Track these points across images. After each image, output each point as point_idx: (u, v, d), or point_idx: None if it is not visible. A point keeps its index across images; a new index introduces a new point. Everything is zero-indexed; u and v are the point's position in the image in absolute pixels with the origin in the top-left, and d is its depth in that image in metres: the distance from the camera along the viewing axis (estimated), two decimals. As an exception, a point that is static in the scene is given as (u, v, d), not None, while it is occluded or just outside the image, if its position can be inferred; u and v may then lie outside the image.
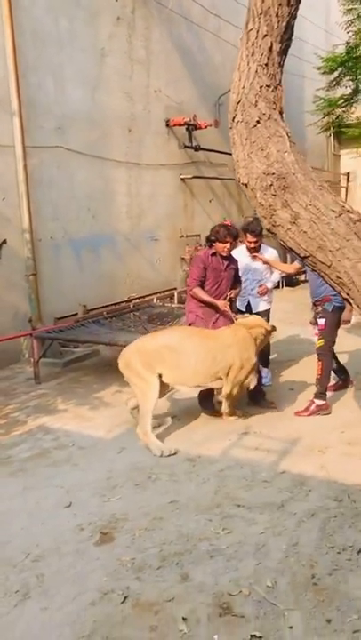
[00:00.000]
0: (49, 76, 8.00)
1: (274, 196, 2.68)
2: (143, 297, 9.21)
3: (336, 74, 11.61)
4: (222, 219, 10.97)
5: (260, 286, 5.97)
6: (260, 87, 2.88)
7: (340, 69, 11.41)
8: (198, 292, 5.28)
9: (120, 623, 2.50)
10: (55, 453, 4.57)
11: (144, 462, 4.24)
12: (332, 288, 2.75)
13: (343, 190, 19.48)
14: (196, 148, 10.97)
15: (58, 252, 8.19)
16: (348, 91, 11.85)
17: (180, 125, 10.56)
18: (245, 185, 2.84)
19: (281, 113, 2.93)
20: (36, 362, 6.60)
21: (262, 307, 6.04)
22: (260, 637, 2.35)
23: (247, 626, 2.42)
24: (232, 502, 3.53)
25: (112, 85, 9.20)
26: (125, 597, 2.67)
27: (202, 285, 5.30)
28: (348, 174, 19.11)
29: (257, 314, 5.90)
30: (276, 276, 6.17)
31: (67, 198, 8.32)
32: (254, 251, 5.91)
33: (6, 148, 7.28)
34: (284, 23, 2.94)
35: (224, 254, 5.29)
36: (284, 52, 3.03)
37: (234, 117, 2.92)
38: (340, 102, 11.87)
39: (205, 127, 10.81)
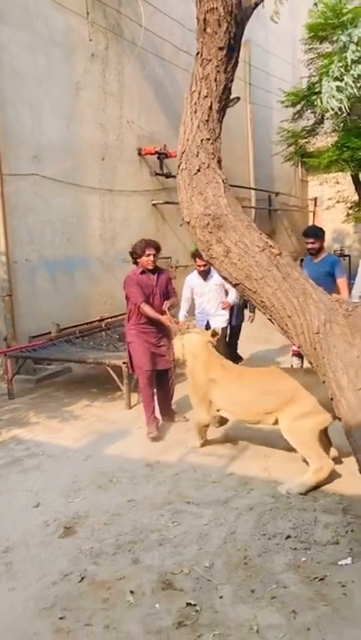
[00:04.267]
0: (26, 108, 8.51)
1: (210, 233, 3.19)
2: (115, 316, 9.65)
3: (299, 107, 12.35)
4: (193, 243, 11.54)
5: (223, 303, 6.44)
6: (202, 140, 3.41)
7: (302, 103, 12.15)
8: (146, 308, 5.33)
9: (77, 597, 2.91)
10: (26, 461, 4.95)
11: (107, 468, 4.65)
12: (259, 310, 3.24)
13: (311, 214, 20.29)
14: (167, 176, 11.54)
15: (33, 274, 8.62)
16: (310, 123, 12.61)
17: (152, 154, 11.13)
18: (188, 223, 3.34)
19: (219, 162, 3.45)
20: (10, 379, 6.99)
21: (222, 324, 6.42)
22: (195, 605, 2.78)
23: (185, 597, 2.86)
24: (183, 500, 3.97)
25: (86, 117, 9.75)
26: (82, 577, 3.08)
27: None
28: (315, 199, 19.92)
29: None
30: (233, 295, 6.47)
31: (42, 223, 8.77)
32: (204, 273, 6.30)
33: (-16, 176, 7.74)
34: (222, 86, 3.47)
35: (150, 267, 5.39)
36: (222, 110, 3.56)
37: (179, 165, 3.44)
38: (302, 134, 12.59)
39: (175, 156, 11.37)
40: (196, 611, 2.75)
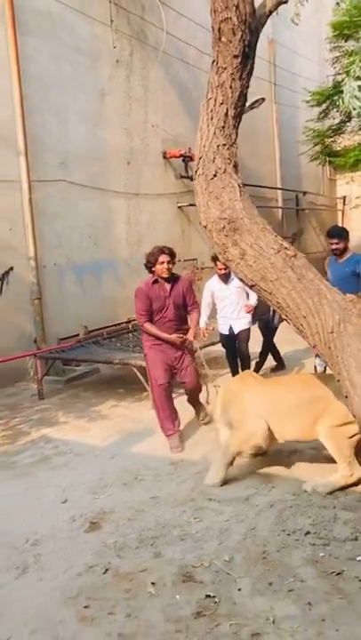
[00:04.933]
0: (53, 116, 8.74)
1: (226, 236, 3.28)
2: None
3: (324, 106, 12.30)
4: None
5: (246, 306, 6.48)
6: (218, 146, 3.51)
7: (327, 102, 12.10)
8: (149, 327, 5.04)
9: (101, 588, 3.04)
10: (54, 459, 5.12)
11: (132, 466, 4.78)
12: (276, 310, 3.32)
13: (340, 213, 20.12)
14: (192, 178, 11.60)
15: (61, 278, 8.84)
16: (336, 121, 12.54)
17: (177, 157, 11.26)
18: (205, 227, 3.44)
19: (235, 167, 3.54)
20: (40, 380, 7.20)
21: (244, 326, 6.49)
22: (214, 596, 2.88)
23: (204, 589, 2.95)
24: (205, 497, 4.06)
25: (112, 122, 9.94)
26: (107, 569, 3.21)
27: (152, 318, 5.06)
28: (343, 198, 19.75)
29: (240, 333, 6.45)
30: (254, 297, 6.48)
31: (70, 227, 8.99)
32: (224, 277, 6.30)
33: (13, 183, 7.98)
34: (237, 93, 3.56)
35: (165, 275, 5.00)
36: (238, 116, 3.65)
37: (196, 171, 3.54)
38: (328, 133, 12.53)
39: (200, 158, 11.49)
40: (215, 602, 2.84)
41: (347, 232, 6.05)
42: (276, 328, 7.31)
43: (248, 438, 4.26)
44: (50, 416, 6.41)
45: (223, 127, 3.54)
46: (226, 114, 3.55)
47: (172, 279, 5.12)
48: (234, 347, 6.61)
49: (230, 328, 6.45)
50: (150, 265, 5.06)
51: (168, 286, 5.08)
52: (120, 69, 10.14)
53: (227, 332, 6.50)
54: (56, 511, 4.06)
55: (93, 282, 9.45)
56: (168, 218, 11.43)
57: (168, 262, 4.98)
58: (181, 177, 11.56)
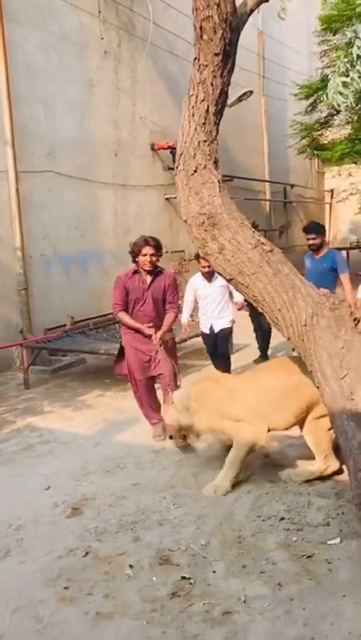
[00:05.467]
0: (40, 106, 8.74)
1: (205, 231, 3.37)
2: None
3: (312, 99, 12.39)
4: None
5: (236, 304, 6.46)
6: (199, 142, 3.59)
7: (315, 95, 12.19)
8: (122, 316, 4.93)
9: (81, 570, 3.14)
10: (39, 447, 5.21)
11: (115, 454, 4.88)
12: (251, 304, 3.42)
13: (327, 206, 20.27)
14: (180, 170, 11.71)
15: (48, 268, 8.88)
16: (323, 115, 12.64)
17: (165, 149, 11.30)
18: (185, 221, 3.52)
19: (216, 163, 3.62)
20: (26, 369, 7.26)
21: (225, 325, 6.38)
22: (189, 578, 2.99)
23: (180, 571, 3.07)
24: (185, 484, 4.18)
25: (99, 113, 9.96)
26: (87, 553, 3.31)
27: (127, 308, 4.95)
28: (331, 191, 19.90)
29: (220, 331, 6.32)
30: (239, 294, 6.32)
31: (56, 218, 9.02)
32: (208, 275, 6.15)
33: (1, 173, 7.99)
34: (218, 90, 3.64)
35: (147, 268, 4.84)
36: (219, 113, 3.73)
37: (177, 166, 3.62)
38: (315, 126, 12.64)
39: (188, 150, 11.54)
40: (190, 583, 2.95)
41: (324, 228, 6.13)
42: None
43: (252, 441, 4.02)
44: (35, 405, 6.49)
45: (204, 124, 3.61)
46: (207, 110, 3.62)
47: (155, 272, 4.95)
48: (215, 345, 6.51)
49: (211, 327, 6.37)
50: (134, 255, 4.90)
51: (149, 279, 4.91)
52: (108, 60, 10.14)
53: (207, 331, 6.42)
54: (39, 497, 4.15)
55: (80, 273, 9.50)
56: (155, 209, 11.49)
57: (152, 255, 4.82)
58: (169, 169, 11.58)
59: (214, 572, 3.06)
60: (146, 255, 4.81)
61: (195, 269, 12.07)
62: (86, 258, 9.67)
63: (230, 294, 6.37)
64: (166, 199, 11.68)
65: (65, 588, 2.98)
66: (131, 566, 3.13)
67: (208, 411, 4.13)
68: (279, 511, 3.64)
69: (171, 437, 4.56)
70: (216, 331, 6.35)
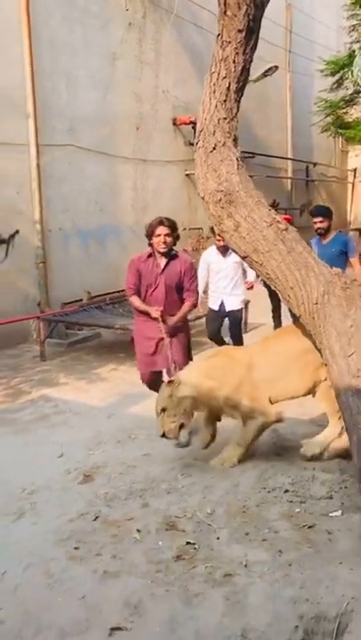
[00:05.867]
0: (62, 79, 8.74)
1: (222, 208, 3.41)
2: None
3: (338, 76, 12.16)
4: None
5: (247, 282, 6.42)
6: (219, 119, 3.60)
7: (341, 72, 11.96)
8: (134, 300, 4.68)
9: (90, 533, 3.28)
10: (53, 417, 5.36)
11: (127, 425, 5.01)
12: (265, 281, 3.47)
13: (350, 186, 19.98)
14: (201, 146, 11.65)
15: (66, 242, 8.97)
16: (349, 92, 12.42)
17: (186, 124, 11.23)
18: (202, 198, 3.57)
19: (235, 140, 3.64)
20: (42, 342, 7.41)
21: (237, 305, 6.26)
22: (194, 543, 3.11)
23: (185, 537, 3.19)
24: (193, 456, 4.29)
25: (122, 87, 9.92)
26: (97, 517, 3.45)
27: (139, 293, 4.68)
28: (354, 171, 19.59)
29: (230, 312, 6.25)
30: (252, 274, 6.30)
31: (76, 192, 9.08)
32: (223, 249, 6.07)
33: (21, 146, 8.05)
34: (240, 67, 3.64)
35: (162, 250, 4.56)
36: (240, 90, 3.74)
37: (197, 143, 3.65)
38: (340, 104, 12.42)
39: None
40: (195, 548, 3.08)
41: (331, 211, 5.98)
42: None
43: (264, 423, 4.07)
44: (51, 377, 6.64)
45: (225, 101, 3.63)
46: (228, 88, 3.63)
47: (170, 255, 4.65)
48: (220, 326, 6.38)
49: (222, 304, 6.23)
50: (148, 236, 4.64)
51: (163, 262, 4.62)
52: (132, 33, 10.05)
53: (217, 308, 6.26)
54: (52, 464, 4.30)
55: (98, 247, 9.57)
56: (175, 185, 11.46)
57: (166, 235, 4.52)
58: (190, 144, 11.52)
59: (218, 538, 3.17)
60: (160, 236, 4.52)
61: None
62: (105, 233, 9.73)
63: (244, 272, 6.32)
64: (186, 175, 11.63)
65: (75, 548, 3.12)
66: (138, 530, 3.26)
67: (223, 388, 3.99)
68: (284, 484, 3.74)
69: (164, 436, 4.07)
70: (227, 309, 6.23)
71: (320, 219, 5.82)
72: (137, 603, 2.64)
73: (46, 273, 8.45)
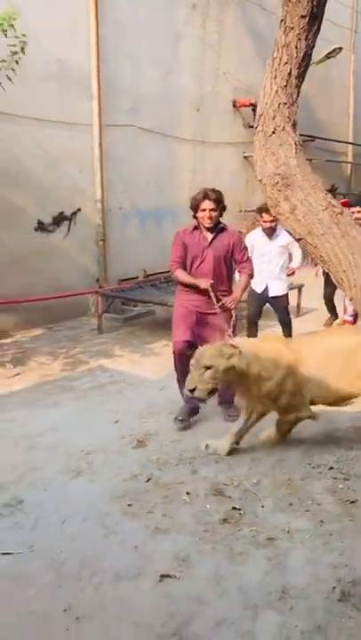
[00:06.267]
0: (126, 60, 8.90)
1: (279, 191, 3.51)
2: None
3: None
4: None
5: (288, 268, 6.29)
6: (279, 104, 3.68)
7: None
8: (179, 273, 4.49)
9: (143, 492, 3.53)
10: (109, 387, 5.64)
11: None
12: (319, 263, 3.56)
13: None
14: (261, 128, 11.60)
15: (125, 221, 9.22)
16: None
17: (247, 106, 11.21)
18: (260, 181, 3.67)
19: (294, 125, 3.71)
20: (100, 315, 7.72)
21: (282, 290, 6.16)
22: (240, 509, 3.30)
23: (232, 503, 3.39)
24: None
25: (184, 68, 9.99)
26: (149, 479, 3.69)
27: (184, 267, 4.50)
28: None
29: (275, 298, 6.13)
30: (298, 257, 6.23)
31: (136, 172, 9.28)
32: (270, 230, 6.00)
33: (85, 126, 8.30)
34: (302, 53, 3.69)
35: (207, 224, 4.38)
36: (301, 76, 3.78)
37: (256, 127, 3.74)
38: None
39: (270, 108, 11.40)
40: (240, 514, 3.27)
41: None
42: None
43: (294, 423, 4.04)
44: (107, 349, 6.93)
45: (286, 86, 3.69)
46: (289, 73, 3.69)
47: (217, 229, 4.48)
48: (260, 309, 6.27)
49: (266, 288, 6.10)
50: (193, 210, 4.45)
51: (210, 236, 4.46)
52: (196, 14, 10.08)
53: (260, 291, 6.11)
54: (108, 430, 4.56)
55: (155, 227, 9.78)
56: (233, 167, 11.50)
57: (211, 210, 4.34)
58: (250, 126, 11.50)
59: (263, 506, 3.35)
60: (205, 210, 4.34)
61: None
62: (162, 213, 9.91)
63: (289, 258, 6.22)
64: (244, 157, 11.64)
65: (128, 505, 3.37)
66: (188, 493, 3.48)
67: (269, 377, 3.80)
68: (329, 461, 3.87)
69: (192, 391, 3.77)
70: (270, 294, 6.11)
71: (358, 208, 5.79)
72: (185, 556, 2.86)
73: (105, 250, 8.74)
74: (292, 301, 8.28)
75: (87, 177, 8.45)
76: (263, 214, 5.93)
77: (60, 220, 8.18)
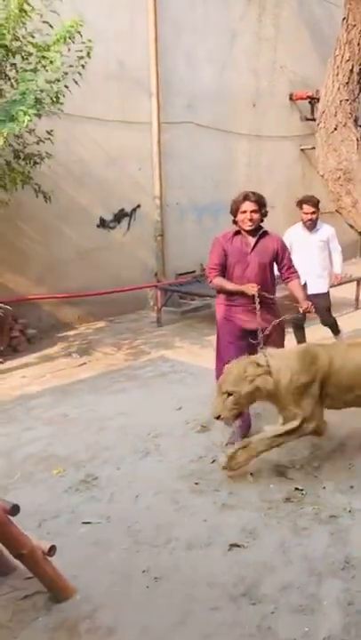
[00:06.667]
0: (183, 57, 9.10)
1: (341, 186, 3.65)
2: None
3: None
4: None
5: (335, 276, 6.08)
6: (341, 101, 3.81)
7: None
8: (219, 281, 4.18)
9: (209, 472, 3.75)
10: (171, 376, 5.90)
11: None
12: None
13: None
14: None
15: (182, 217, 9.45)
16: None
17: (303, 99, 11.21)
18: (322, 176, 3.81)
19: (356, 121, 3.83)
20: (159, 309, 7.99)
21: (322, 289, 5.87)
22: (302, 490, 3.48)
23: (294, 483, 3.57)
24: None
25: (240, 63, 10.11)
26: (214, 460, 3.90)
27: (225, 275, 4.20)
28: None
29: (316, 296, 5.62)
30: (339, 260, 6.00)
31: (192, 168, 9.48)
32: (310, 224, 5.77)
33: (144, 124, 8.56)
34: (364, 50, 3.81)
35: (247, 227, 4.10)
36: (363, 72, 3.90)
37: (318, 124, 3.88)
38: None
39: (327, 100, 11.35)
40: (302, 494, 3.44)
41: None
42: None
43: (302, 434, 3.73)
44: (167, 340, 7.19)
45: (347, 83, 3.82)
46: (351, 70, 3.82)
47: (259, 233, 4.19)
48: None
49: (305, 286, 5.24)
50: (233, 213, 4.22)
51: (252, 241, 4.17)
52: (252, 8, 10.16)
53: None
54: (172, 415, 4.81)
55: (211, 222, 9.96)
56: (289, 161, 11.53)
57: (253, 212, 4.07)
58: (306, 119, 11.50)
59: (324, 487, 3.52)
60: (245, 212, 4.08)
61: (328, 222, 12.02)
62: (218, 208, 10.05)
63: (329, 256, 5.99)
64: (301, 150, 11.65)
65: (196, 483, 3.61)
66: (251, 474, 3.67)
67: (292, 385, 3.57)
68: (388, 450, 3.98)
69: (218, 418, 3.66)
70: (310, 292, 5.56)
71: None
72: (252, 529, 3.06)
73: (163, 245, 9.00)
74: (352, 295, 8.37)
75: (146, 174, 8.72)
76: (304, 206, 5.76)
77: (120, 216, 8.49)
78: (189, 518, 3.21)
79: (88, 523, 3.22)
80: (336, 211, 3.86)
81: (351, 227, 3.70)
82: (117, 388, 5.53)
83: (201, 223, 9.77)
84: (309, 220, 5.80)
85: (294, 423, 3.60)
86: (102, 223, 8.27)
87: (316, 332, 6.33)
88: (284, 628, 2.36)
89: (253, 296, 3.97)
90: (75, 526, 3.18)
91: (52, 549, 2.51)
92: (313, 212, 5.73)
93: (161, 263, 9.01)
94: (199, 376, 5.83)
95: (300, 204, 5.80)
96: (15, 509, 2.39)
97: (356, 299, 8.45)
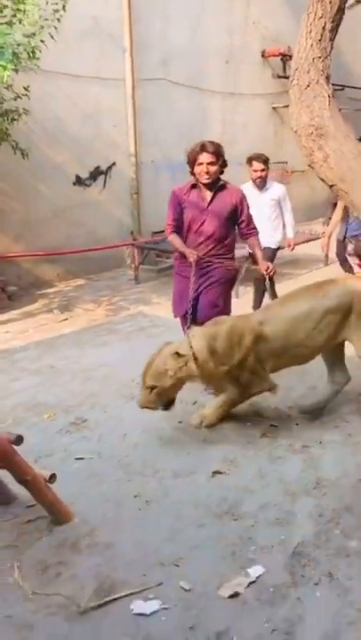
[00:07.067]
0: (157, 14, 9.01)
1: (313, 141, 3.82)
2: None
3: None
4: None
5: (288, 240, 6.05)
6: (313, 58, 3.95)
7: None
8: (173, 239, 4.07)
9: (190, 413, 3.98)
10: (150, 330, 6.13)
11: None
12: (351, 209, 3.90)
13: None
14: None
15: (157, 174, 9.51)
16: None
17: (275, 56, 11.22)
18: (295, 132, 3.98)
19: (328, 78, 3.98)
20: (137, 266, 8.15)
21: (272, 243, 5.75)
22: (276, 425, 3.78)
23: (269, 422, 3.86)
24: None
25: (212, 21, 10.04)
26: (195, 402, 4.17)
27: (180, 230, 4.05)
28: None
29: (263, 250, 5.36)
30: (291, 220, 5.90)
31: (167, 126, 9.50)
32: (260, 182, 5.63)
33: (119, 81, 8.53)
34: (336, 7, 3.93)
35: (205, 180, 3.93)
36: (335, 29, 4.03)
37: (292, 81, 4.03)
38: None
39: (299, 58, 11.36)
40: (277, 429, 3.74)
41: None
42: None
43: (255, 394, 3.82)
44: (145, 297, 7.40)
45: (320, 40, 3.95)
46: (323, 27, 3.94)
47: (217, 187, 4.03)
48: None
49: None
50: (190, 164, 4.03)
51: (209, 195, 4.02)
52: None
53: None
54: (154, 365, 5.05)
55: (186, 179, 10.02)
56: (262, 119, 11.61)
57: (209, 164, 3.90)
58: (279, 77, 11.54)
59: (297, 424, 3.83)
60: (202, 164, 3.91)
61: (297, 181, 12.16)
62: (193, 166, 10.15)
63: (281, 215, 5.89)
64: (273, 108, 11.71)
65: (179, 422, 3.88)
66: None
67: (227, 364, 3.52)
68: (357, 389, 4.29)
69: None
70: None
71: None
72: (232, 459, 3.36)
73: (139, 203, 9.09)
74: (321, 251, 8.62)
75: (121, 131, 8.74)
76: (253, 162, 5.62)
77: (96, 174, 8.54)
78: (175, 452, 3.49)
79: (81, 459, 3.47)
80: (309, 165, 4.04)
81: (323, 180, 3.89)
82: (100, 342, 5.74)
83: (176, 181, 9.74)
84: (259, 177, 5.68)
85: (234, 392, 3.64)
86: (78, 181, 8.31)
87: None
88: (263, 537, 2.67)
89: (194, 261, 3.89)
90: (68, 462, 3.43)
91: (53, 477, 2.75)
92: (263, 170, 5.62)
93: (137, 221, 9.13)
94: (176, 330, 6.02)
95: (249, 160, 5.67)
96: (19, 439, 2.62)
97: (326, 255, 8.71)
